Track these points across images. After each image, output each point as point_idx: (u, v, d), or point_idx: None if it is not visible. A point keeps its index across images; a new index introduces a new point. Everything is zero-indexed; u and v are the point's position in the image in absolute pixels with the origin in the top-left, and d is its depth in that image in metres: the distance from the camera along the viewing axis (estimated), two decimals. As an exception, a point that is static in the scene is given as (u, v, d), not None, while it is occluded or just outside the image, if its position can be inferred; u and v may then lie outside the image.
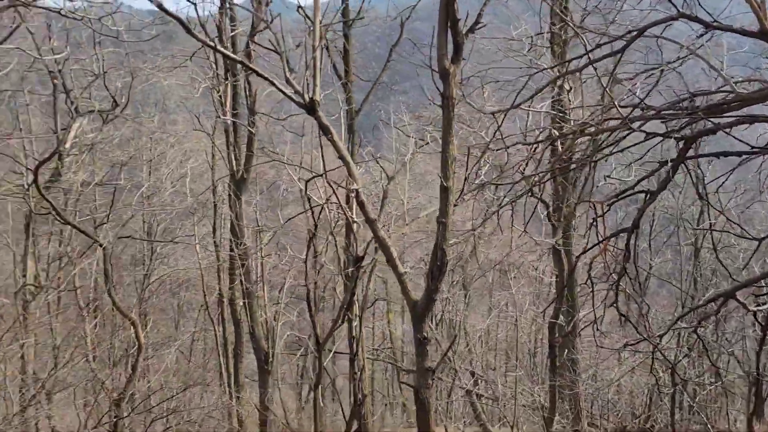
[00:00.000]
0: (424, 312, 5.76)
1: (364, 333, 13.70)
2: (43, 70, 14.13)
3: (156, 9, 7.58)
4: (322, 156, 7.82)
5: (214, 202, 17.68)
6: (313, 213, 6.51)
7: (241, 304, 14.48)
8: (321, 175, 7.46)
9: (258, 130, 14.17)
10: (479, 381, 13.55)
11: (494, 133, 5.47)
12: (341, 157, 5.58)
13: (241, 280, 14.17)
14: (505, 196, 6.64)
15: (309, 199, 6.29)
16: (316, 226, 6.72)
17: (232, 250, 14.72)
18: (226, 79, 13.68)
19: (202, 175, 20.63)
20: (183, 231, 19.59)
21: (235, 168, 14.26)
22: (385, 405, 21.22)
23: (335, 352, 14.60)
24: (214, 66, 14.14)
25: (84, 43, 12.72)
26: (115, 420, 10.35)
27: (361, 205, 5.59)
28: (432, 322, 19.43)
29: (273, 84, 5.44)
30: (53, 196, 13.13)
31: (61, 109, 14.41)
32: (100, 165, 16.87)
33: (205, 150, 18.53)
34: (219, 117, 14.03)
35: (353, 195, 5.42)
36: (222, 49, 5.07)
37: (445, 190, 5.43)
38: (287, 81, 5.48)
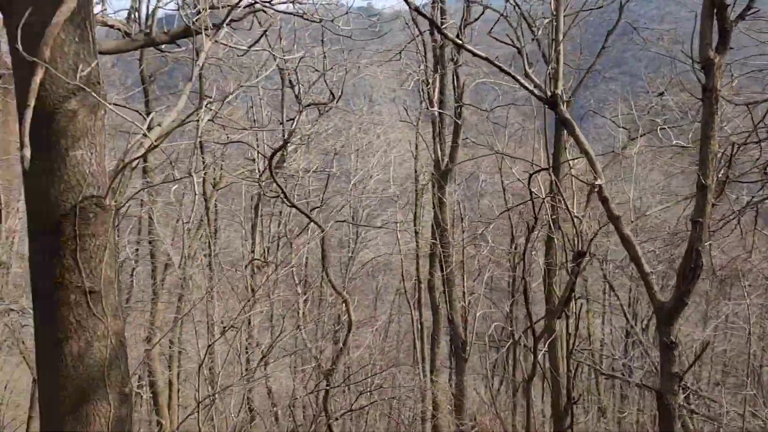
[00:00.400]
0: (672, 315, 5.40)
1: (561, 332, 13.30)
2: (270, 67, 15.71)
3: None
4: (546, 148, 7.69)
5: (416, 190, 18.33)
6: (534, 206, 6.45)
7: (441, 291, 14.87)
8: (546, 169, 7.36)
9: (464, 121, 14.37)
10: (692, 396, 12.42)
11: (757, 125, 4.92)
12: (584, 152, 5.42)
13: (441, 267, 14.53)
14: (753, 197, 5.98)
15: (531, 192, 6.26)
16: (536, 219, 6.64)
17: (433, 237, 15.16)
18: (435, 71, 14.07)
19: (401, 164, 21.53)
20: (385, 217, 20.61)
21: (440, 158, 14.61)
22: (583, 408, 20.42)
23: (532, 348, 14.35)
24: (423, 59, 14.61)
25: (308, 43, 13.90)
26: (326, 389, 11.11)
27: (604, 201, 5.38)
28: (638, 325, 18.23)
29: (515, 78, 5.43)
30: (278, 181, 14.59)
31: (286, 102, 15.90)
32: (314, 153, 18.42)
33: (409, 140, 19.24)
34: (427, 108, 14.46)
35: (596, 190, 5.24)
36: (470, 48, 5.15)
37: (702, 188, 5.01)
38: (526, 75, 5.43)
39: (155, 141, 5.65)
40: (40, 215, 5.11)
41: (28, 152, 4.74)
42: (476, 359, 22.16)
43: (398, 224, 19.28)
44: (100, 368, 5.09)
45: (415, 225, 18.24)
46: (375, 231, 20.77)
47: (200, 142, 15.35)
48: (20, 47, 4.70)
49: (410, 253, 19.24)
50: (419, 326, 18.83)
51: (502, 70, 5.45)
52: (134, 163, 6.03)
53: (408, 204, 19.94)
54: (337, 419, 10.66)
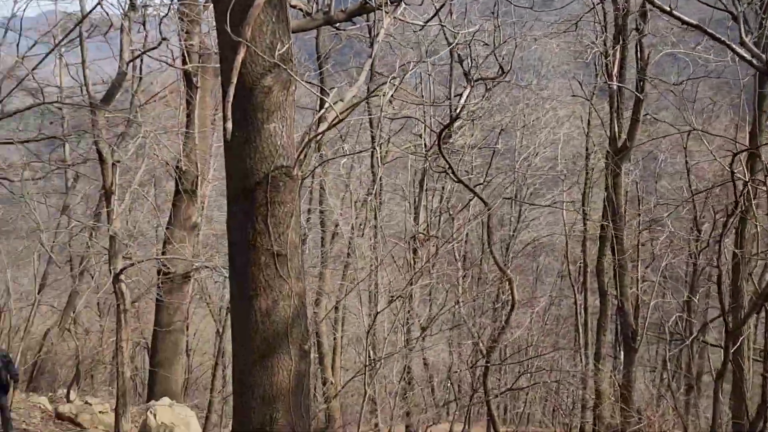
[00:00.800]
0: None
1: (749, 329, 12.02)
2: (440, 42, 15.75)
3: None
4: (758, 124, 6.84)
5: (587, 169, 17.44)
6: (735, 189, 5.80)
7: (610, 276, 14.10)
8: (754, 149, 6.59)
9: (646, 96, 13.31)
10: None
11: None
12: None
13: (613, 251, 13.73)
14: None
15: (733, 174, 5.62)
16: (736, 203, 5.99)
17: (604, 219, 14.36)
18: (616, 42, 13.13)
19: (569, 142, 20.55)
20: (550, 197, 19.90)
21: (617, 135, 13.71)
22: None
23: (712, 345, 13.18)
24: (603, 29, 13.71)
25: (477, 16, 13.68)
26: (485, 366, 11.11)
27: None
28: None
29: (730, 47, 4.90)
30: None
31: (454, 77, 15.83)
32: (479, 129, 18.21)
33: (580, 116, 18.31)
34: (605, 82, 13.60)
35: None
36: (678, 14, 4.68)
37: None
38: (742, 43, 4.86)
39: (340, 115, 5.91)
40: (237, 183, 5.61)
41: (230, 125, 5.19)
42: (642, 350, 20.78)
43: (565, 204, 18.51)
44: (284, 325, 5.52)
45: (583, 205, 17.39)
46: (538, 210, 20.14)
47: (371, 117, 15.83)
48: (228, 28, 5.13)
49: (576, 235, 18.44)
50: (582, 311, 18.07)
51: (714, 38, 4.90)
52: (319, 136, 6.37)
53: (576, 183, 19.04)
54: (496, 396, 10.64)
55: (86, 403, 13.53)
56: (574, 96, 17.34)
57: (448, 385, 14.88)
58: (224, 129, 5.08)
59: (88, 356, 18.67)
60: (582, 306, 18.18)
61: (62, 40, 8.58)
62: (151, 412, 8.35)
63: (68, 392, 13.72)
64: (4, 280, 16.79)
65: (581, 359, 15.75)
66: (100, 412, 12.96)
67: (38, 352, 17.22)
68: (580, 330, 17.86)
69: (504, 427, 14.64)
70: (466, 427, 10.47)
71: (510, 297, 11.16)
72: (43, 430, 11.15)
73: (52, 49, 8.87)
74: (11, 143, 9.13)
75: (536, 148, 18.82)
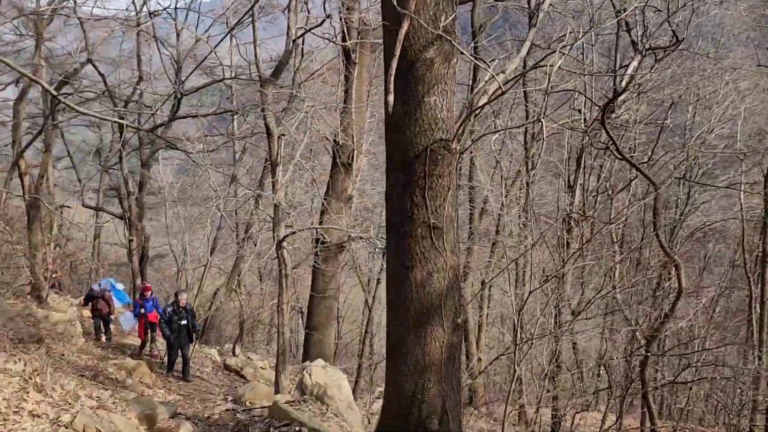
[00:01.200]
0: None
1: None
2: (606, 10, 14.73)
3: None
4: None
5: (771, 148, 15.57)
6: None
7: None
8: None
9: None
10: None
11: None
12: None
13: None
14: None
15: None
16: None
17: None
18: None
19: (750, 117, 18.42)
20: (725, 178, 18.05)
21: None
22: None
23: None
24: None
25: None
26: (644, 356, 10.48)
27: None
28: None
29: None
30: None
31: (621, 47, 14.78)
32: (645, 103, 16.90)
33: (766, 88, 16.30)
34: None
35: None
36: None
37: None
38: None
39: (503, 87, 5.74)
40: (396, 155, 5.68)
41: (392, 98, 5.24)
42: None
43: (743, 186, 16.69)
44: (438, 297, 5.55)
45: (765, 188, 15.57)
46: (710, 193, 18.34)
47: (525, 90, 15.31)
48: (393, 0, 5.15)
49: (755, 221, 16.58)
50: (758, 305, 16.29)
51: None
52: (479, 110, 6.24)
53: (758, 164, 17.05)
54: (655, 389, 9.96)
55: (248, 358, 14.74)
56: (759, 66, 15.46)
57: (601, 372, 14.18)
58: (386, 102, 5.13)
59: (249, 316, 20.26)
60: (758, 300, 16.40)
61: (238, 22, 9.19)
62: (306, 371, 8.87)
63: (234, 347, 15.02)
64: (183, 243, 18.67)
65: (754, 357, 14.26)
66: (260, 367, 14.07)
67: (208, 309, 18.98)
68: (755, 326, 16.14)
69: (660, 422, 13.74)
70: (620, 418, 9.95)
71: (676, 284, 10.34)
72: (213, 378, 12.33)
73: (230, 30, 9.54)
74: (194, 117, 10.03)
75: (711, 124, 17.05)
